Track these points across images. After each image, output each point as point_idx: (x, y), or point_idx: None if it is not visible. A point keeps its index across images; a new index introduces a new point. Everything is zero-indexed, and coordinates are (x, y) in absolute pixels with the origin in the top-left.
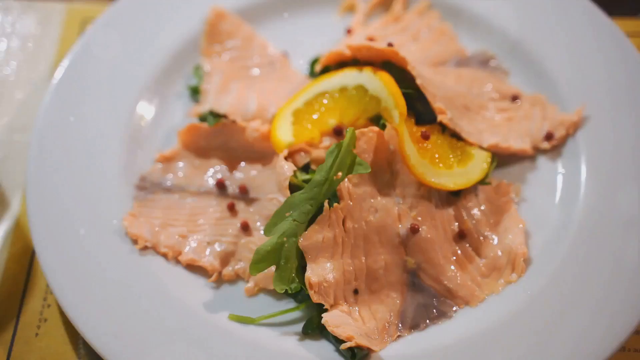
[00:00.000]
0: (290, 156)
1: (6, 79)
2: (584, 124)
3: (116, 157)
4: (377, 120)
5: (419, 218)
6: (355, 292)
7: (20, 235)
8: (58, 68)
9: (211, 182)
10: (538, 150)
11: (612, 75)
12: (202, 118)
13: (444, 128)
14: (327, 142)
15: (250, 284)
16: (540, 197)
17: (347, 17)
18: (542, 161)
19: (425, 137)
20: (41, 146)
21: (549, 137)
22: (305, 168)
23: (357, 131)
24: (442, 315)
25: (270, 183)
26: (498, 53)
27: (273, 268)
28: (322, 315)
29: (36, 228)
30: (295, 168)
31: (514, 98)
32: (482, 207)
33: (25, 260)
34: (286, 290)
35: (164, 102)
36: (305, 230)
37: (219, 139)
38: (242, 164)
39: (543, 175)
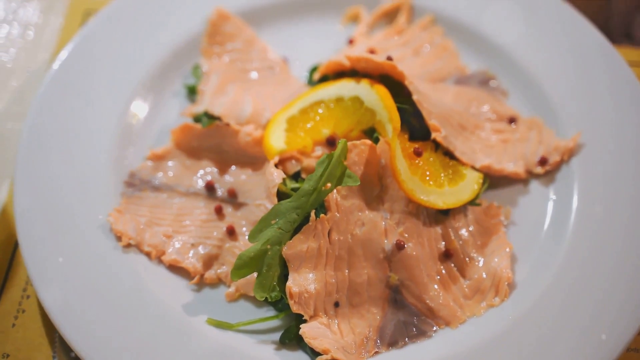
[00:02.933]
0: (281, 163)
1: (3, 66)
2: (579, 151)
3: (107, 152)
4: (371, 133)
5: (406, 234)
6: (336, 304)
7: (5, 223)
8: (56, 58)
9: (200, 183)
10: (531, 175)
11: (611, 104)
12: (197, 118)
13: (437, 145)
14: (319, 151)
15: (232, 289)
16: (529, 222)
17: (351, 26)
18: (535, 186)
19: (418, 153)
20: (32, 136)
21: (543, 162)
22: (296, 176)
23: (349, 143)
24: (422, 334)
25: (259, 189)
26: (499, 74)
27: (255, 275)
28: (301, 326)
29: (21, 218)
30: (284, 175)
31: (511, 120)
32: (471, 228)
33: (8, 249)
34: (266, 298)
35: (160, 99)
36: (290, 239)
37: (212, 141)
38: (233, 167)
39: (534, 200)
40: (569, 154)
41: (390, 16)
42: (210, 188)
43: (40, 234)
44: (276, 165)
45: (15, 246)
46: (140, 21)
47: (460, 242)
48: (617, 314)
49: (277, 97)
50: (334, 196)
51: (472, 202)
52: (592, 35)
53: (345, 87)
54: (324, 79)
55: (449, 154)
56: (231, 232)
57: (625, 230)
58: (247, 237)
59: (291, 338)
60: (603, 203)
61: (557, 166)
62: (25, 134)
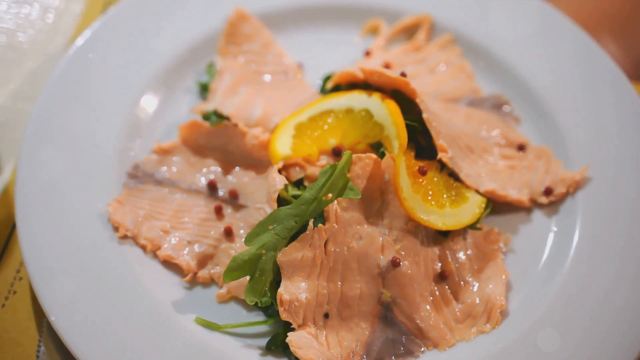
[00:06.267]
0: (284, 169)
1: (20, 46)
2: (585, 184)
3: (114, 142)
4: (378, 147)
5: (402, 252)
6: (326, 316)
7: (5, 203)
8: (73, 44)
9: (203, 181)
10: (535, 204)
11: (622, 141)
12: (206, 116)
13: (443, 166)
14: (324, 161)
15: (223, 290)
16: (528, 251)
17: (369, 38)
18: (537, 215)
19: (422, 172)
20: (41, 119)
21: (548, 192)
22: (298, 184)
23: (354, 155)
24: (409, 353)
25: (261, 192)
26: (513, 99)
27: (247, 278)
28: (288, 334)
29: (21, 199)
30: (286, 182)
31: (520, 147)
32: (468, 252)
33: (5, 229)
34: (256, 302)
35: (171, 94)
36: (286, 246)
37: (219, 140)
38: (237, 168)
39: (535, 229)
40: (575, 187)
41: (409, 32)
42: (212, 187)
43: (38, 217)
44: (280, 171)
45: (13, 227)
46: (160, 15)
47: (457, 265)
48: (605, 355)
49: (288, 103)
50: (334, 207)
51: (473, 226)
52: (610, 70)
53: (357, 99)
54: (337, 88)
55: (453, 176)
56: (228, 233)
57: (622, 270)
58: (243, 240)
59: (277, 345)
60: (604, 240)
61: (562, 198)
62: (34, 117)
